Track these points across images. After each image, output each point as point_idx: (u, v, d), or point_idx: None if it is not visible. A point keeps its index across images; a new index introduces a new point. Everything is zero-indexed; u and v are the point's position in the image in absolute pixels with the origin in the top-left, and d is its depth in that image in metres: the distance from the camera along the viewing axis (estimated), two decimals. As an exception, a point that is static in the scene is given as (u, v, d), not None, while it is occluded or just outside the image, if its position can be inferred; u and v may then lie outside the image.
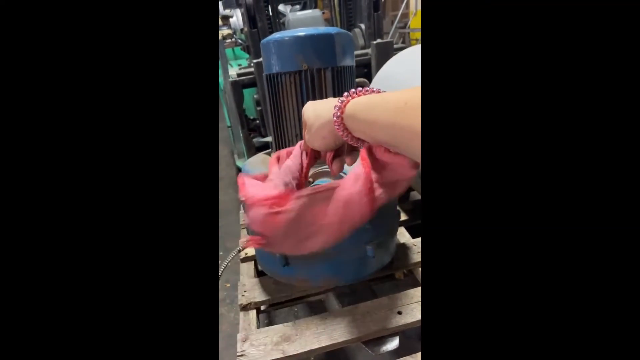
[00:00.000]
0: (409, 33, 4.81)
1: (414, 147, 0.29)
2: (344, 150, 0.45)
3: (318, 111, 0.42)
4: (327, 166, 0.50)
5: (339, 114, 0.37)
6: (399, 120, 0.30)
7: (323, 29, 0.81)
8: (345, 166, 0.46)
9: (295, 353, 0.76)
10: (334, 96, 0.84)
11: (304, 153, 0.48)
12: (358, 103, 0.36)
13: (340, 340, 0.79)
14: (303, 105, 0.83)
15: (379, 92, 0.38)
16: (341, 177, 0.45)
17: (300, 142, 0.49)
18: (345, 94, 0.38)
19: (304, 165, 0.48)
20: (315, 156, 0.48)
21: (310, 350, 0.77)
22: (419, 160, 0.30)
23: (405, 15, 4.89)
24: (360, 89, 0.38)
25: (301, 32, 0.79)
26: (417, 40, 4.73)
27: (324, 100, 0.43)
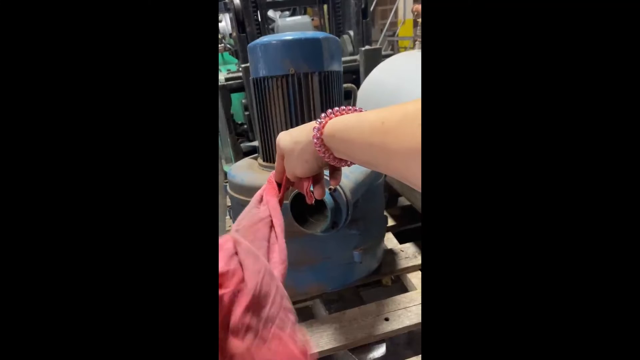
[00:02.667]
0: (397, 41, 4.88)
1: (393, 166, 0.29)
2: (322, 176, 0.45)
3: (295, 137, 0.41)
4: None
5: (318, 134, 0.37)
6: (375, 141, 0.30)
7: (311, 33, 0.81)
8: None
9: (280, 361, 0.75)
10: (322, 101, 0.84)
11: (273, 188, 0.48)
12: (336, 123, 0.36)
13: (326, 347, 0.77)
14: (290, 110, 0.84)
15: (359, 110, 0.38)
16: None
17: (267, 191, 0.48)
18: (323, 114, 0.38)
19: (280, 197, 0.48)
20: (287, 187, 0.48)
21: (296, 358, 0.76)
22: (401, 179, 0.30)
23: (394, 24, 4.96)
24: (337, 108, 0.38)
25: (288, 36, 0.79)
26: (405, 48, 4.80)
27: (297, 127, 0.43)
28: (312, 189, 0.44)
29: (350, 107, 0.38)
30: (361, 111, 0.37)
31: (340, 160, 0.38)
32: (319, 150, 0.38)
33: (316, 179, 0.44)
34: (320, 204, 0.65)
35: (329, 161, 0.39)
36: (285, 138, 0.43)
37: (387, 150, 0.29)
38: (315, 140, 0.37)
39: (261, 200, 0.47)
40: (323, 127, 0.37)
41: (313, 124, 0.38)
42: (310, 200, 0.46)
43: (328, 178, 0.45)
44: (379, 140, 0.30)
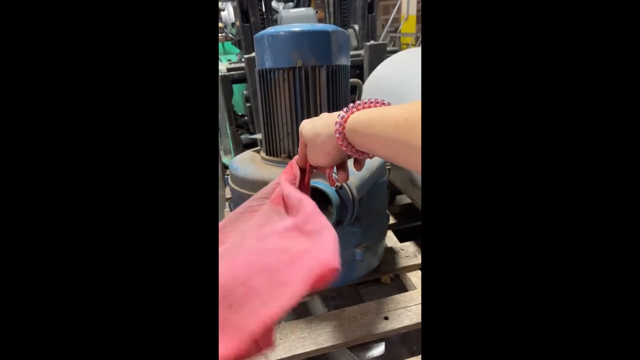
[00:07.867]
0: (399, 37, 4.84)
1: (415, 162, 0.29)
2: (346, 161, 0.45)
3: (317, 128, 0.42)
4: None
5: (341, 129, 0.37)
6: (399, 137, 0.30)
7: (320, 26, 0.79)
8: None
9: (279, 358, 0.74)
10: (328, 96, 0.82)
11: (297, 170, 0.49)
12: (359, 117, 0.36)
13: (325, 345, 0.77)
14: (296, 103, 0.83)
15: (382, 103, 0.37)
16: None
17: (288, 177, 0.48)
18: (345, 108, 0.38)
19: (305, 182, 0.49)
20: (311, 172, 0.49)
21: (295, 355, 0.75)
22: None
23: (396, 20, 4.92)
24: (359, 102, 0.38)
25: (297, 27, 0.77)
26: (407, 45, 4.77)
27: (319, 117, 0.43)
28: (335, 174, 0.45)
29: (372, 100, 0.38)
30: (383, 105, 0.37)
31: (362, 153, 0.39)
32: (341, 144, 0.38)
33: (339, 164, 0.45)
34: (326, 200, 0.64)
35: (351, 154, 0.39)
36: (308, 127, 0.43)
37: (410, 147, 0.29)
38: (337, 134, 0.37)
39: (271, 195, 0.47)
40: (345, 121, 0.37)
41: (335, 116, 0.38)
42: (332, 185, 0.48)
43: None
44: (402, 136, 0.30)
